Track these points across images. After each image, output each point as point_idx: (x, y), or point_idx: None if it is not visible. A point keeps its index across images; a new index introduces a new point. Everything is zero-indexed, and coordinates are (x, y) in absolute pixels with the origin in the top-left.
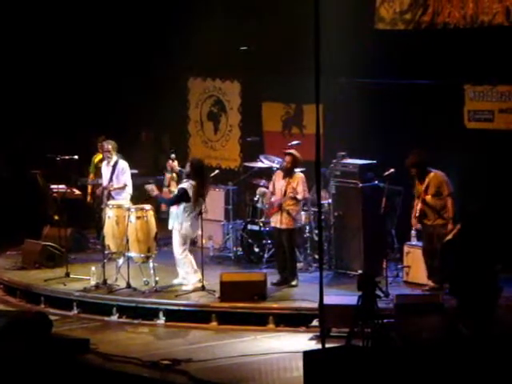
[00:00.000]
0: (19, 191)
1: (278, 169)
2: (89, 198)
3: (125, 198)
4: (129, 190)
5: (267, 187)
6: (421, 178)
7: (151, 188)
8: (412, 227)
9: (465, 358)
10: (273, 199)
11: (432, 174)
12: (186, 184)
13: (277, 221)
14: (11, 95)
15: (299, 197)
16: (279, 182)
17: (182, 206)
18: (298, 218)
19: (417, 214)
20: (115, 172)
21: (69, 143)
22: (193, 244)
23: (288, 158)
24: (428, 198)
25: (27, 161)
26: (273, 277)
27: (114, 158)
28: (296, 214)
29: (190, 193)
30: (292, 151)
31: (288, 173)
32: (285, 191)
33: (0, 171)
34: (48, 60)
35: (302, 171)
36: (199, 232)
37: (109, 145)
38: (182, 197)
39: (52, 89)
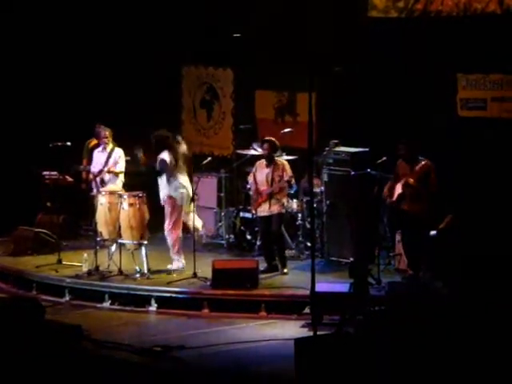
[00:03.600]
0: (12, 178)
1: (253, 157)
2: (84, 186)
3: (117, 185)
4: (122, 177)
5: None
6: (409, 160)
7: (141, 155)
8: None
9: (455, 349)
10: (263, 188)
11: (424, 161)
12: (164, 154)
13: (265, 209)
14: (8, 86)
15: (293, 181)
16: (262, 172)
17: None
18: (285, 202)
19: (394, 199)
20: (112, 158)
21: (64, 129)
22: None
23: (266, 146)
24: (411, 180)
25: (20, 148)
26: (265, 264)
27: (111, 144)
28: (284, 198)
29: (168, 160)
30: (268, 138)
31: (270, 160)
32: (272, 179)
33: None
34: (44, 50)
35: (294, 159)
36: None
37: (106, 131)
38: (164, 164)
39: (47, 78)
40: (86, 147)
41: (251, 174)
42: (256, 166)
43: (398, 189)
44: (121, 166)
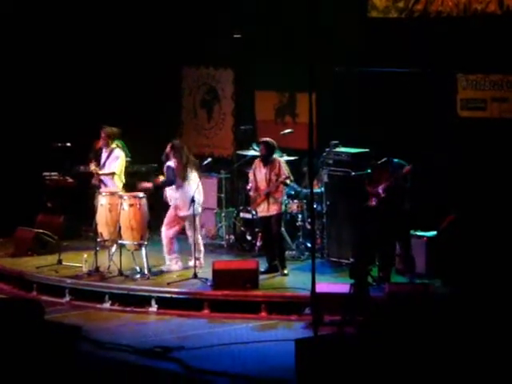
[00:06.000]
0: (12, 179)
1: (253, 158)
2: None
3: (117, 186)
4: (121, 177)
5: None
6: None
7: (146, 186)
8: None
9: (455, 348)
10: (262, 188)
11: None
12: (171, 162)
13: (264, 209)
14: (9, 87)
15: (288, 181)
16: (261, 171)
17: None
18: (283, 201)
19: (374, 203)
20: (109, 159)
21: (64, 130)
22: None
23: (261, 147)
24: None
25: (21, 149)
26: (265, 265)
27: (112, 145)
28: (282, 198)
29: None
30: (265, 139)
31: (266, 160)
32: (269, 179)
33: None
34: (45, 51)
35: (294, 160)
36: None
37: (104, 132)
38: (173, 172)
39: (47, 79)
40: (93, 148)
41: (251, 172)
42: (255, 164)
43: (380, 192)
44: (114, 167)
